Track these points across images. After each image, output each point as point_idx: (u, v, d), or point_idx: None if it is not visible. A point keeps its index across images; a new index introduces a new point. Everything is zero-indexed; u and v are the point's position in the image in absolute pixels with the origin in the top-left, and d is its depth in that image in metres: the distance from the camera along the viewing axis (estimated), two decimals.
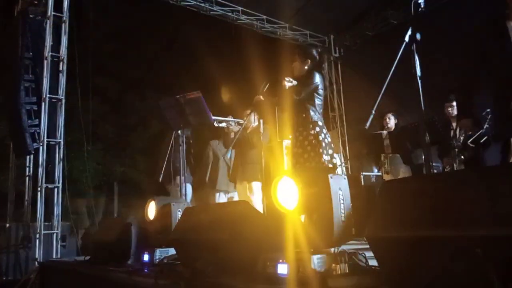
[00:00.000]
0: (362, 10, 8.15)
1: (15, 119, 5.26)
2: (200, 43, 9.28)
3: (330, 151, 3.22)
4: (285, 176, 1.98)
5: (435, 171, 3.93)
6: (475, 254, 1.09)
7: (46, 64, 5.26)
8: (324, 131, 3.27)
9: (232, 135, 4.94)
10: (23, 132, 5.11)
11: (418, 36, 2.22)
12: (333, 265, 1.73)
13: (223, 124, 5.19)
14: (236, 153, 5.11)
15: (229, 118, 5.36)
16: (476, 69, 2.79)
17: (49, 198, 5.05)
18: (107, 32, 10.89)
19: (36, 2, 5.49)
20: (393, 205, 1.52)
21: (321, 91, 3.30)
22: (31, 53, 5.40)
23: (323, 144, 3.18)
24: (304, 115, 3.25)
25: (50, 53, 5.31)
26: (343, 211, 1.77)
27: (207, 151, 5.83)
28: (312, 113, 3.25)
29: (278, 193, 1.99)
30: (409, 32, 2.22)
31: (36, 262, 4.55)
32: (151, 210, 3.32)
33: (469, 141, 4.27)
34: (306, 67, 3.36)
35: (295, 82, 3.33)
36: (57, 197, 5.10)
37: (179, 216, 3.07)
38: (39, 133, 5.19)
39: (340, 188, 1.79)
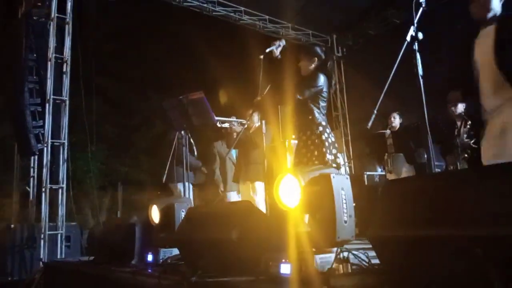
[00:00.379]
0: (364, 10, 8.16)
1: (19, 120, 5.29)
2: (200, 43, 9.29)
3: (334, 151, 3.20)
4: (288, 174, 1.99)
5: (438, 170, 3.92)
6: (475, 254, 1.10)
7: (50, 66, 5.30)
8: (328, 130, 3.25)
9: (235, 135, 4.96)
10: (27, 133, 5.14)
11: (419, 35, 2.23)
12: (335, 264, 1.73)
13: (226, 125, 5.21)
14: (239, 153, 5.13)
15: (232, 119, 5.37)
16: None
17: (54, 199, 5.08)
18: (107, 32, 10.91)
19: (39, 4, 5.52)
20: (395, 204, 1.52)
21: (325, 94, 3.29)
22: (35, 55, 5.43)
23: (327, 144, 3.17)
24: (310, 117, 3.23)
25: (54, 55, 5.34)
26: (345, 211, 1.77)
27: (213, 152, 5.85)
28: (316, 114, 3.24)
29: (281, 190, 1.99)
30: (411, 32, 2.23)
31: (41, 262, 4.58)
32: (155, 214, 3.31)
33: (472, 142, 4.26)
34: (313, 65, 3.36)
35: (283, 41, 3.34)
36: (62, 198, 5.13)
37: (183, 216, 3.07)
38: (43, 134, 5.23)
39: (342, 188, 1.79)
